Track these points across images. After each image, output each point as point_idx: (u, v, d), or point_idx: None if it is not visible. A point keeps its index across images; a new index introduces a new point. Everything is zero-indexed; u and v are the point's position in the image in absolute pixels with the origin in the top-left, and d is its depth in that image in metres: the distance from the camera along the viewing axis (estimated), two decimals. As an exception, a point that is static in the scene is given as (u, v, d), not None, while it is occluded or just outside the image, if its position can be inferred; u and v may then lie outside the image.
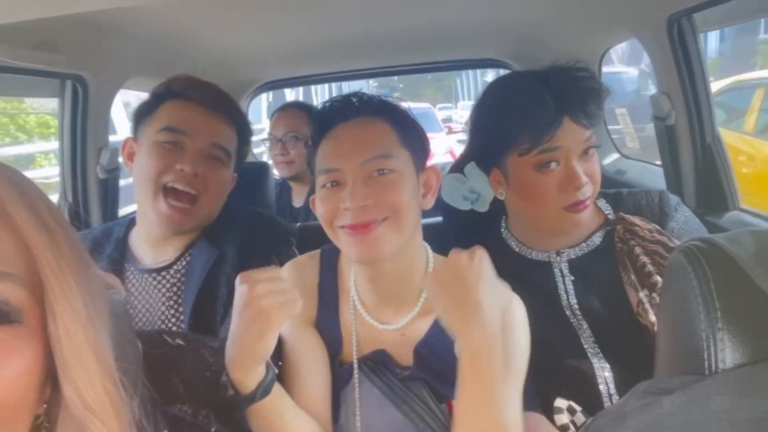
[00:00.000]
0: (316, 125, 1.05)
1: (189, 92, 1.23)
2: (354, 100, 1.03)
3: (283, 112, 2.43)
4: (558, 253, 1.22)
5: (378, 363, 1.05)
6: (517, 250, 1.27)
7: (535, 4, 1.75)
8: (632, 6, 1.56)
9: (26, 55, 1.27)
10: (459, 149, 9.69)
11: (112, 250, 1.28)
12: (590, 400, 1.09)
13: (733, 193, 1.57)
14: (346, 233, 0.98)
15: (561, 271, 1.21)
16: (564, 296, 1.19)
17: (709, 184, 1.58)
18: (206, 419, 1.02)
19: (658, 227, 1.17)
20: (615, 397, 1.09)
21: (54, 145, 1.77)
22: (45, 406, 0.49)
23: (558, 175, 1.13)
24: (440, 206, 1.42)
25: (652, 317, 1.07)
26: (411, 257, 1.04)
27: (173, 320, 1.22)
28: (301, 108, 2.42)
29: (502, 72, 2.58)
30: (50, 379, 0.48)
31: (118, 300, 0.75)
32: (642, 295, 1.11)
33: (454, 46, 2.36)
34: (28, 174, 0.52)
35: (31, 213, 0.47)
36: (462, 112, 23.56)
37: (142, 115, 1.25)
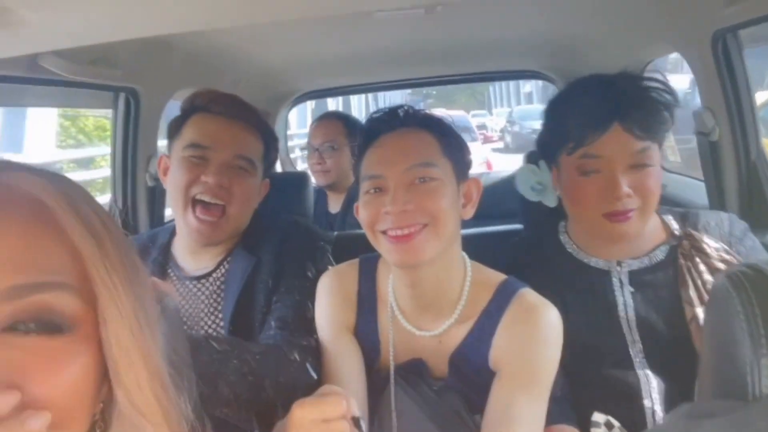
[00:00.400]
0: (362, 135, 1.09)
1: (211, 105, 1.27)
2: (400, 112, 1.07)
3: (321, 122, 2.46)
4: (619, 263, 1.21)
5: (413, 373, 1.07)
6: (574, 254, 1.26)
7: (578, 18, 1.75)
8: (676, 21, 1.54)
9: (85, 70, 1.33)
10: (495, 159, 9.51)
11: (157, 255, 1.32)
12: (633, 414, 1.09)
13: (780, 212, 1.53)
14: (388, 240, 1.00)
15: (620, 281, 1.19)
16: (622, 307, 1.17)
17: (753, 201, 1.54)
18: (248, 423, 1.05)
19: (725, 247, 1.15)
20: (659, 413, 1.08)
21: (109, 148, 1.84)
22: (101, 405, 0.51)
23: (599, 182, 1.12)
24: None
25: None
26: (449, 264, 1.06)
27: (213, 326, 1.25)
28: (339, 118, 2.45)
29: (533, 82, 2.58)
30: (107, 378, 0.49)
31: (172, 306, 0.78)
32: (698, 310, 1.09)
33: (492, 57, 2.37)
34: (88, 174, 0.53)
35: (80, 222, 0.48)
36: (497, 119, 23.31)
37: (172, 132, 1.30)
